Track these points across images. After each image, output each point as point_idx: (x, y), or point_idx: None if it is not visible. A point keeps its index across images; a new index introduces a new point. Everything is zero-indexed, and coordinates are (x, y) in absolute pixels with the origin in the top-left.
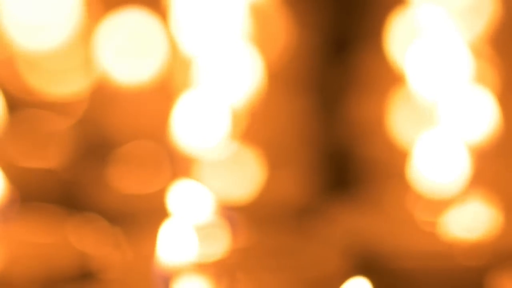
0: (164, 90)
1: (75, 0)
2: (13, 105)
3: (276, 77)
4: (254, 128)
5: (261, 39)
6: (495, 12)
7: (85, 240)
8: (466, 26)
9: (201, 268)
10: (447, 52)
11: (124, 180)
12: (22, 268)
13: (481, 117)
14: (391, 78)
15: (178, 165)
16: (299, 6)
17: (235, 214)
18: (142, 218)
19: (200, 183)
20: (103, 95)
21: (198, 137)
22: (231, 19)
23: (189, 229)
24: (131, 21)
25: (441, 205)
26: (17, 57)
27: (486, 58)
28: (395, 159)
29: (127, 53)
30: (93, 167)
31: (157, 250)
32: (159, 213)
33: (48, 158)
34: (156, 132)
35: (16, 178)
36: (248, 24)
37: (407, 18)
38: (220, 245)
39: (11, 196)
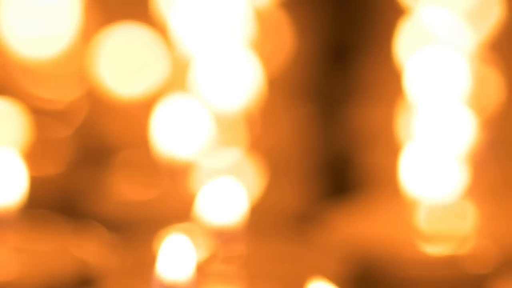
0: (162, 98)
1: (74, 9)
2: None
3: (276, 84)
4: (253, 135)
5: (261, 46)
6: (500, 16)
7: (84, 247)
8: (470, 31)
9: (199, 275)
10: (447, 59)
11: (123, 188)
12: (21, 275)
13: (479, 125)
14: (392, 85)
15: (176, 172)
16: (299, 13)
17: (233, 222)
18: (141, 225)
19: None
20: (101, 103)
21: (195, 144)
22: (231, 25)
23: (188, 237)
24: (128, 31)
25: (439, 213)
26: (15, 65)
27: (490, 63)
28: (395, 167)
29: (124, 62)
30: (92, 174)
31: (156, 258)
32: (158, 221)
33: (47, 165)
34: (154, 139)
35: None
36: (248, 30)
37: (408, 25)
38: (218, 253)
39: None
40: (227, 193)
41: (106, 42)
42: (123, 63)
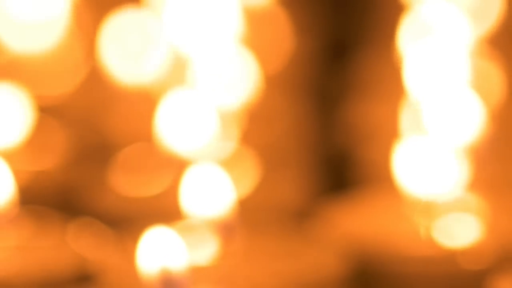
0: (162, 93)
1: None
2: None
3: (275, 81)
4: (253, 131)
5: (259, 43)
6: (500, 11)
7: (83, 243)
8: (470, 26)
9: (198, 272)
10: (447, 55)
11: (123, 183)
12: (20, 271)
13: (480, 120)
14: (391, 82)
15: (176, 168)
16: (298, 11)
17: (232, 218)
18: (140, 221)
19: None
20: (101, 97)
21: (195, 139)
22: (229, 23)
23: (185, 233)
24: (130, 23)
25: (439, 209)
26: (12, 59)
27: (490, 59)
28: (393, 163)
29: (125, 55)
30: (92, 170)
31: (153, 254)
32: (157, 216)
33: (46, 161)
34: (154, 135)
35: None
36: (247, 28)
37: (408, 21)
38: (216, 248)
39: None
40: (217, 184)
41: (103, 36)
42: (121, 57)
